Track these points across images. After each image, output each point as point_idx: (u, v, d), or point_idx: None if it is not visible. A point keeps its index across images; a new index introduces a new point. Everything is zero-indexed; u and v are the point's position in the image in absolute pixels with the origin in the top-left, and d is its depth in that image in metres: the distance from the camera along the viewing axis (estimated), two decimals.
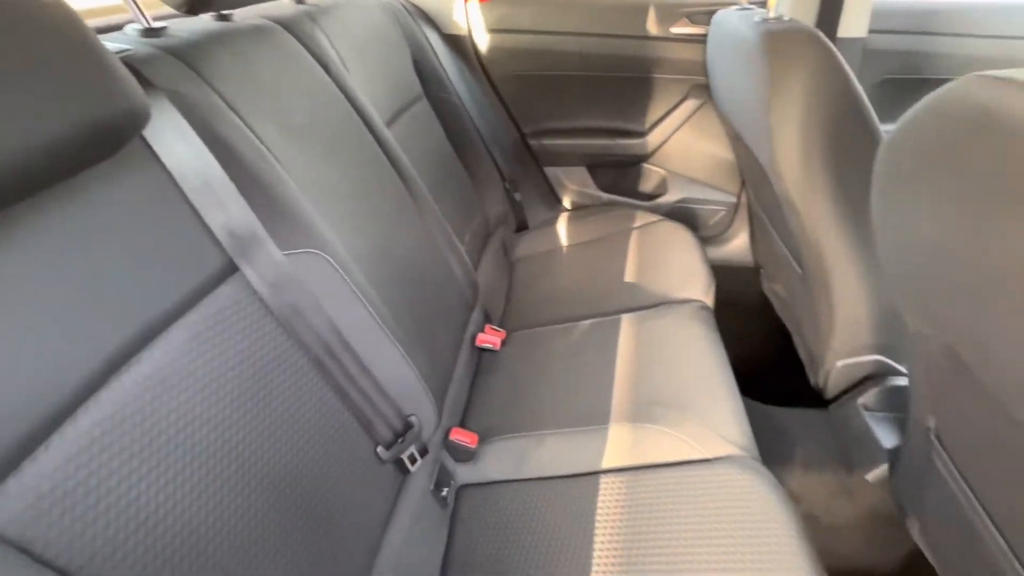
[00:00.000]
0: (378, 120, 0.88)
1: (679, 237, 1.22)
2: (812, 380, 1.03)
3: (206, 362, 0.49)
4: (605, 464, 0.75)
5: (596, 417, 0.80)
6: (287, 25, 0.78)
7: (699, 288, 1.04)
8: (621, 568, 0.63)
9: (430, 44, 1.23)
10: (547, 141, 1.44)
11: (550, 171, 1.49)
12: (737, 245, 1.45)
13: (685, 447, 0.72)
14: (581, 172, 1.48)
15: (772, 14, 0.80)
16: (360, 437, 0.65)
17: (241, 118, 0.60)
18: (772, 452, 0.79)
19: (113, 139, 0.41)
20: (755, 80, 0.76)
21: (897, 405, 0.90)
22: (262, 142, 0.61)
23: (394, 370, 0.70)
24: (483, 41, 1.32)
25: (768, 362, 1.23)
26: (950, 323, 0.45)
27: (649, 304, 1.02)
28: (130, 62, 0.50)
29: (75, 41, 0.37)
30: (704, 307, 1.00)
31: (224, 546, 0.47)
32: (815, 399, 1.03)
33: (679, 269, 1.10)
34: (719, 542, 0.63)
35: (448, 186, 1.13)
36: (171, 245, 0.48)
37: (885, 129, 0.72)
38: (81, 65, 0.37)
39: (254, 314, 0.55)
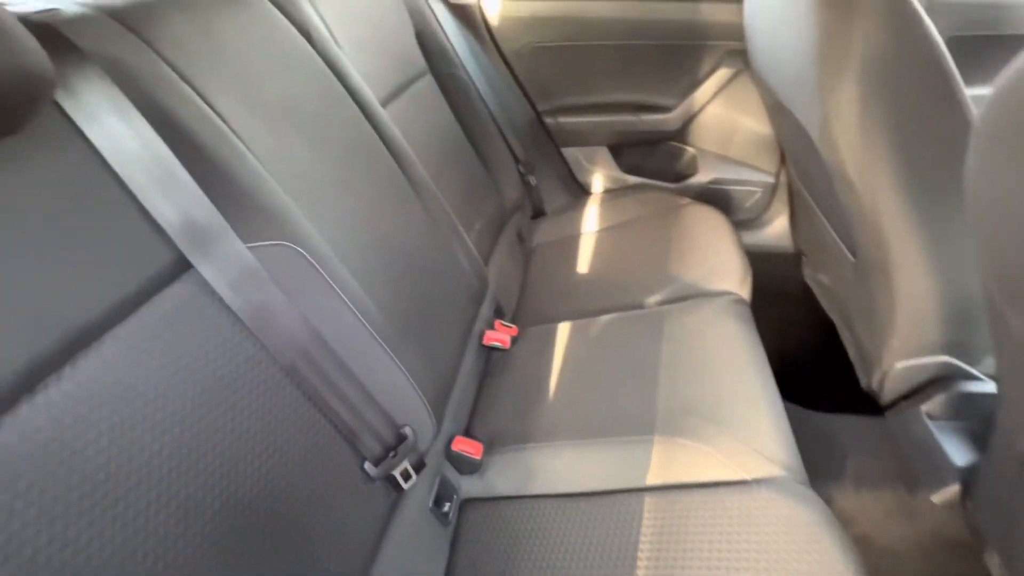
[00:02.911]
0: (371, 97, 0.79)
1: (711, 222, 1.10)
2: (864, 382, 0.91)
3: (150, 375, 0.42)
4: (626, 483, 0.66)
5: (617, 428, 0.71)
6: None
7: (734, 279, 0.92)
8: None
9: (435, 15, 1.14)
10: (564, 119, 1.33)
11: (568, 152, 1.39)
12: (775, 229, 1.32)
13: (720, 466, 0.63)
14: (602, 152, 1.37)
15: None
16: (344, 452, 0.58)
17: (197, 91, 0.52)
18: (819, 466, 0.69)
19: (4, 111, 0.33)
20: (805, 34, 0.64)
21: (968, 414, 0.77)
22: (224, 120, 0.53)
23: (384, 376, 0.62)
24: (494, 10, 1.22)
25: (811, 360, 1.11)
26: None
27: (678, 297, 0.91)
28: (50, 22, 0.42)
29: None
30: (740, 301, 0.88)
31: None
32: (866, 404, 0.91)
33: (712, 258, 0.99)
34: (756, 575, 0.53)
35: (456, 170, 1.05)
36: (102, 240, 0.41)
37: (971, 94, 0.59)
38: None
39: (212, 317, 0.47)
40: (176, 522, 0.41)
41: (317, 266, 0.56)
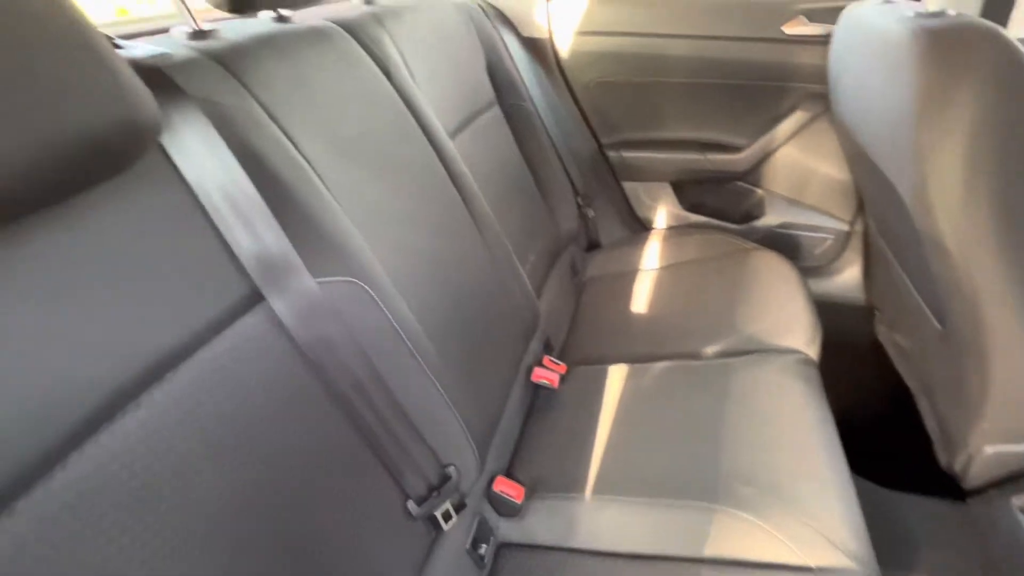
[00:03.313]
0: (441, 131, 0.80)
1: (779, 271, 1.05)
2: (943, 460, 0.83)
3: (215, 406, 0.43)
4: (675, 551, 0.62)
5: (668, 489, 0.67)
6: (349, 28, 0.73)
7: (802, 337, 0.87)
8: None
9: (506, 48, 1.15)
10: (628, 154, 1.31)
11: (629, 187, 1.36)
12: (845, 280, 1.24)
13: (780, 547, 0.58)
14: (664, 188, 1.34)
15: (931, 7, 0.63)
16: (389, 490, 0.58)
17: (283, 129, 0.54)
18: (888, 553, 0.63)
19: (114, 154, 0.35)
20: (903, 88, 0.60)
21: None
22: (304, 157, 0.55)
23: (432, 413, 0.62)
24: (565, 44, 1.23)
25: (879, 427, 1.03)
26: None
27: (739, 350, 0.87)
28: (160, 67, 0.45)
29: (69, 41, 0.31)
30: (807, 361, 0.83)
31: None
32: (945, 483, 0.83)
33: (777, 311, 0.93)
34: None
35: (516, 201, 1.05)
36: (187, 272, 0.43)
37: None
38: (71, 69, 0.31)
39: (278, 349, 0.48)
40: (231, 554, 0.41)
41: (380, 302, 0.56)
